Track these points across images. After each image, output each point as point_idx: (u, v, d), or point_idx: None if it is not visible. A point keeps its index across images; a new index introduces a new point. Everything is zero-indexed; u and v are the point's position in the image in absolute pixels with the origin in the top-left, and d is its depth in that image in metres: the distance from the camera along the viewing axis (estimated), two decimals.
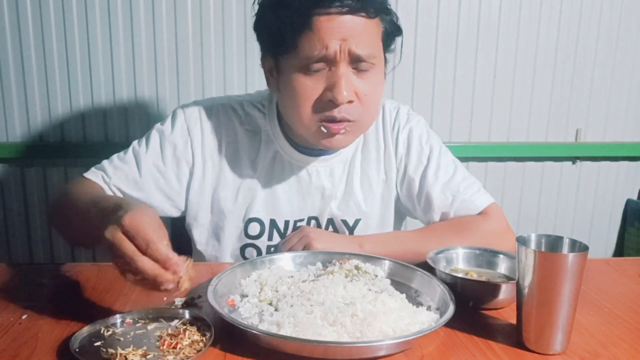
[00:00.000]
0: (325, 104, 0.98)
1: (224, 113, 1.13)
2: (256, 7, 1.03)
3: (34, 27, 1.75)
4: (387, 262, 0.93)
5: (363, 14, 0.95)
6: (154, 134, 1.12)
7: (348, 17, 0.94)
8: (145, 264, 0.67)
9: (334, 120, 0.98)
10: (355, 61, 0.97)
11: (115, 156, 1.11)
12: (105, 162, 1.10)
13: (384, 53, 1.04)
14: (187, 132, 1.10)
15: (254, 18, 1.04)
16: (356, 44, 0.95)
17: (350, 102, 0.97)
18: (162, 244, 0.69)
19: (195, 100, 1.17)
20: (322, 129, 0.99)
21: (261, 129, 1.13)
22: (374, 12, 0.97)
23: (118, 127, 1.84)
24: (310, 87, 0.98)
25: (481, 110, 1.98)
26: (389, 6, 1.03)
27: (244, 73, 1.83)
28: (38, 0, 1.73)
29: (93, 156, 1.83)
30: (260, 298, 0.82)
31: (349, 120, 0.99)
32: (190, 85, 1.83)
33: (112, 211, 0.74)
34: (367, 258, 0.94)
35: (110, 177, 1.06)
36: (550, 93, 2.00)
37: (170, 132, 1.11)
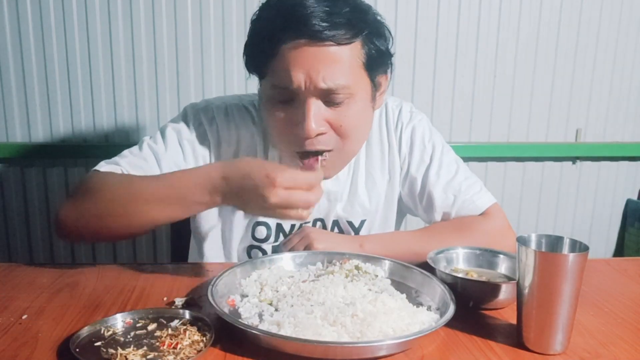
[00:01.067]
0: (297, 136, 0.95)
1: (238, 113, 1.11)
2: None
3: (34, 28, 1.75)
4: (387, 262, 0.93)
5: (331, 43, 0.89)
6: (171, 132, 1.06)
7: (314, 49, 0.89)
8: (311, 196, 0.80)
9: (308, 153, 0.96)
10: (325, 94, 0.92)
11: (127, 152, 1.04)
12: (117, 159, 1.02)
13: (371, 78, 0.98)
14: (204, 132, 1.08)
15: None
16: (323, 76, 0.89)
17: (321, 134, 0.94)
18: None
19: (206, 99, 1.14)
20: (299, 162, 0.97)
21: (268, 130, 1.11)
22: (348, 37, 0.90)
23: (118, 127, 1.84)
24: (282, 119, 0.96)
25: (481, 110, 1.98)
26: (379, 20, 0.96)
27: (244, 73, 1.82)
28: (38, 1, 1.74)
29: (93, 156, 1.83)
30: (261, 298, 0.82)
31: (325, 150, 0.97)
32: (190, 85, 1.83)
33: (214, 179, 0.81)
34: (368, 258, 0.94)
35: (129, 171, 0.99)
36: (550, 93, 2.01)
37: (188, 131, 1.07)
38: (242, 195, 0.82)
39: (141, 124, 1.85)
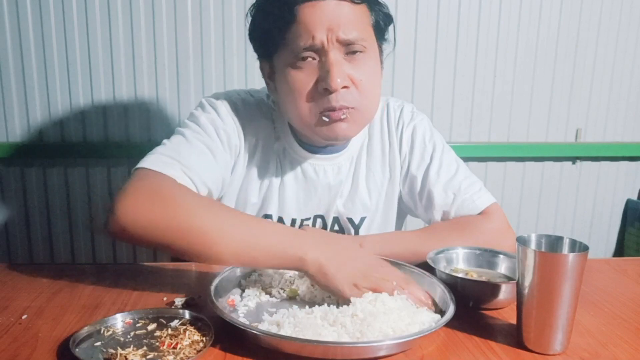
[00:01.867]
0: (321, 94, 0.97)
1: (255, 105, 1.12)
2: (249, 18, 1.03)
3: (34, 27, 1.75)
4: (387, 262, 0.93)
5: (346, 1, 0.95)
6: (206, 123, 1.04)
7: (332, 3, 0.94)
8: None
9: (332, 110, 0.98)
10: (346, 45, 0.96)
11: (172, 145, 0.99)
12: (171, 152, 0.96)
13: (378, 42, 1.03)
14: (234, 122, 1.08)
15: (248, 27, 1.04)
16: (344, 29, 0.95)
17: (345, 87, 0.97)
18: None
19: (224, 92, 1.14)
20: (324, 117, 0.98)
21: (275, 123, 1.13)
22: None
23: (118, 127, 1.84)
24: (303, 80, 0.97)
25: (481, 110, 1.98)
26: None
27: (244, 73, 1.83)
28: (38, 1, 1.74)
29: (93, 156, 1.84)
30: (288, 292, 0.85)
31: (348, 108, 0.98)
32: (190, 85, 1.83)
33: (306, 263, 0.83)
34: None
35: (196, 173, 0.95)
36: (550, 93, 2.00)
37: (220, 121, 1.06)
38: (340, 253, 0.88)
39: (141, 123, 1.85)
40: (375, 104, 1.06)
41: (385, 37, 1.06)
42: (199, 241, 0.83)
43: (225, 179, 1.07)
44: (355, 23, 0.96)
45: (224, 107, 1.08)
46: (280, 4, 0.95)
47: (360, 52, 0.98)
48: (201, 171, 0.96)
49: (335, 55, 0.96)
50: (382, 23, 1.03)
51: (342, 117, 0.98)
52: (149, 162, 0.93)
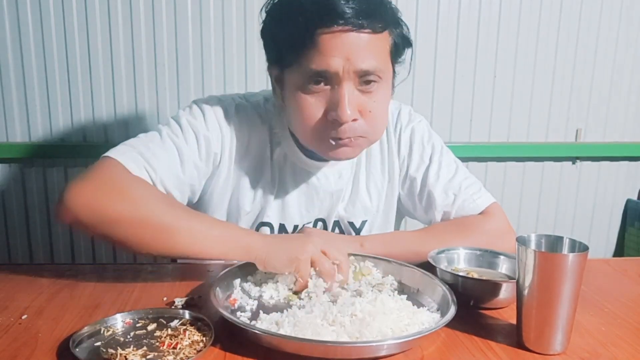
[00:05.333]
0: (329, 123, 0.95)
1: (251, 110, 1.10)
2: (263, 14, 1.00)
3: (34, 28, 1.75)
4: (387, 262, 0.93)
5: (369, 31, 0.92)
6: (186, 126, 1.03)
7: (353, 34, 0.91)
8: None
9: (340, 139, 0.96)
10: (361, 77, 0.94)
11: (145, 139, 1.00)
12: (137, 145, 0.97)
13: (393, 65, 1.01)
14: (219, 129, 1.05)
15: (261, 25, 1.01)
16: (361, 60, 0.92)
17: (354, 120, 0.95)
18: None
19: (215, 96, 1.11)
20: (331, 141, 0.97)
21: (274, 129, 1.11)
22: (381, 27, 0.93)
23: (118, 127, 1.84)
24: (313, 106, 0.95)
25: (481, 110, 1.98)
26: (400, 17, 1.00)
27: (244, 73, 1.83)
28: (38, 1, 1.74)
29: (93, 156, 1.83)
30: (289, 295, 0.85)
31: (355, 136, 0.97)
32: (190, 85, 1.83)
33: (258, 254, 0.86)
34: (368, 258, 0.95)
35: (156, 170, 0.96)
36: (550, 93, 2.00)
37: (204, 127, 1.04)
38: (282, 244, 0.89)
39: (141, 123, 1.85)
40: (382, 130, 1.05)
41: (401, 60, 1.04)
42: (151, 231, 0.86)
43: (194, 185, 1.04)
44: (373, 52, 0.94)
45: (212, 112, 1.06)
46: (300, 25, 0.91)
47: (375, 82, 0.96)
48: (162, 171, 0.96)
49: (348, 86, 0.93)
50: (400, 46, 1.00)
51: (349, 143, 0.98)
52: (114, 151, 0.95)
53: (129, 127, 1.84)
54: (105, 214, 0.86)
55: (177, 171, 0.99)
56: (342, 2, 0.89)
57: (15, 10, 1.74)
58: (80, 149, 1.83)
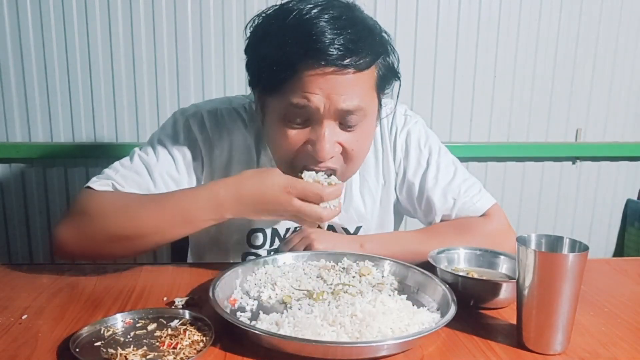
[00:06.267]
0: (306, 155, 0.94)
1: (228, 117, 1.09)
2: (248, 32, 0.97)
3: (34, 28, 1.75)
4: (388, 262, 0.93)
5: (352, 70, 0.89)
6: (161, 142, 1.05)
7: (336, 74, 0.88)
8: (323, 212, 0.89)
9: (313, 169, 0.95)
10: (342, 116, 0.92)
11: (118, 165, 1.03)
12: (109, 172, 1.01)
13: (379, 97, 0.98)
14: (195, 139, 1.06)
15: (246, 41, 0.98)
16: (342, 100, 0.89)
17: (332, 157, 0.94)
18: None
19: (195, 104, 1.12)
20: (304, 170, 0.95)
21: (261, 134, 1.09)
22: (367, 63, 0.91)
23: (118, 126, 1.84)
24: (291, 138, 0.94)
25: (481, 110, 1.98)
26: (389, 46, 0.97)
27: (244, 73, 1.81)
28: (38, 1, 1.74)
29: (93, 156, 1.84)
30: (283, 296, 0.84)
31: (331, 168, 0.96)
32: (190, 85, 1.83)
33: (224, 198, 0.87)
34: (368, 258, 0.95)
35: (123, 186, 0.98)
36: (550, 93, 2.01)
37: (178, 140, 1.05)
38: (257, 206, 0.88)
39: (141, 123, 1.85)
40: (360, 164, 1.04)
41: (387, 91, 1.01)
42: (126, 231, 0.90)
43: None
44: (356, 91, 0.91)
45: (186, 125, 1.06)
46: (284, 59, 0.89)
47: (356, 124, 0.93)
48: (130, 188, 0.99)
49: (328, 124, 0.91)
50: (387, 78, 0.98)
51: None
52: (91, 181, 1.00)
53: (128, 126, 1.84)
54: (86, 240, 0.93)
55: (148, 185, 1.01)
56: (328, 41, 0.87)
57: (15, 10, 1.74)
58: (81, 149, 1.83)
